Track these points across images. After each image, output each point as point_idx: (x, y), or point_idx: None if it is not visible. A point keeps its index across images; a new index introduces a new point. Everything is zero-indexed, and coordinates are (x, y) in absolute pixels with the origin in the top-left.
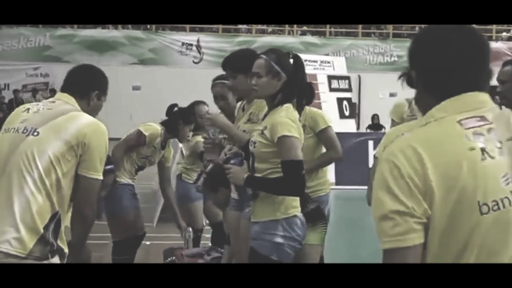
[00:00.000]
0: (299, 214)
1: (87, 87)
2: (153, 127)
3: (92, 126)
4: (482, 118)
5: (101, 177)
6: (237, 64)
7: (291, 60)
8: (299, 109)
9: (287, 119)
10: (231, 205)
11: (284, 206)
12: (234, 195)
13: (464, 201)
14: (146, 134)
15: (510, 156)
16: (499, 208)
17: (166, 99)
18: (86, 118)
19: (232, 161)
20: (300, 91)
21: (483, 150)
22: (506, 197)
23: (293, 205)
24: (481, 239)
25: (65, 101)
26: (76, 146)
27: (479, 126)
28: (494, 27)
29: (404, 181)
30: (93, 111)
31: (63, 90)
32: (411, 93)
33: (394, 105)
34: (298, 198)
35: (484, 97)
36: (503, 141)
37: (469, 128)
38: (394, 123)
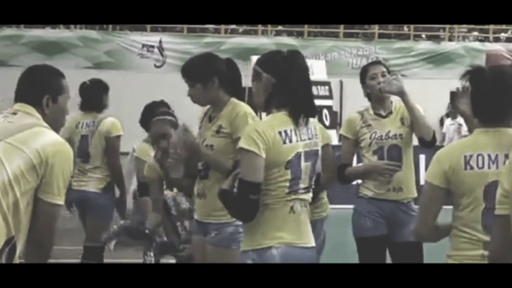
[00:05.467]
0: (278, 245)
1: (35, 93)
2: (117, 121)
3: (57, 145)
4: None
5: (62, 203)
6: (194, 72)
7: (286, 59)
8: (295, 119)
9: (252, 129)
10: (194, 228)
11: (260, 235)
12: (197, 216)
13: None
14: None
15: None
16: None
17: (125, 107)
18: (50, 136)
19: (237, 171)
20: (295, 96)
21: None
22: None
23: (273, 236)
24: None
25: (27, 113)
26: (39, 166)
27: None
28: (491, 27)
29: None
30: (55, 119)
31: (16, 99)
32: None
33: (346, 120)
34: (287, 226)
35: None
36: None
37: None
38: (346, 141)
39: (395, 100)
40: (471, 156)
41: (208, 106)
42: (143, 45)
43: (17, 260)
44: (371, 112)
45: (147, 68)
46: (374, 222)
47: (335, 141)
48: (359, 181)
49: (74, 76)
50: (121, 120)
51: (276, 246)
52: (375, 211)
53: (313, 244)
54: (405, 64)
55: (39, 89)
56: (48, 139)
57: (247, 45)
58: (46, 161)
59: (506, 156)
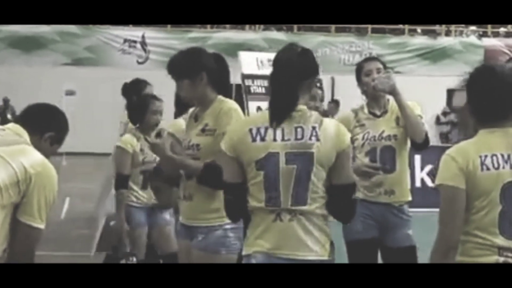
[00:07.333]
0: (256, 254)
1: (42, 124)
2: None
3: (43, 166)
4: None
5: (42, 226)
6: (182, 67)
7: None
8: (270, 118)
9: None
10: (180, 232)
11: (247, 241)
12: (183, 219)
13: None
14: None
15: None
16: None
17: (105, 106)
18: (38, 155)
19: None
20: (270, 95)
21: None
22: None
23: (254, 243)
24: None
25: (14, 132)
26: (22, 182)
27: None
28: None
29: None
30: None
31: (16, 121)
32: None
33: (339, 118)
34: (269, 234)
35: None
36: None
37: None
38: None
39: (393, 99)
40: (486, 156)
41: (192, 108)
42: (125, 40)
43: None
44: (366, 111)
45: (129, 64)
46: (364, 224)
47: None
48: None
49: (52, 73)
50: (100, 119)
51: (254, 255)
52: (365, 214)
53: (303, 256)
54: (400, 60)
55: (47, 122)
56: (35, 158)
57: (234, 40)
58: (30, 179)
59: None
